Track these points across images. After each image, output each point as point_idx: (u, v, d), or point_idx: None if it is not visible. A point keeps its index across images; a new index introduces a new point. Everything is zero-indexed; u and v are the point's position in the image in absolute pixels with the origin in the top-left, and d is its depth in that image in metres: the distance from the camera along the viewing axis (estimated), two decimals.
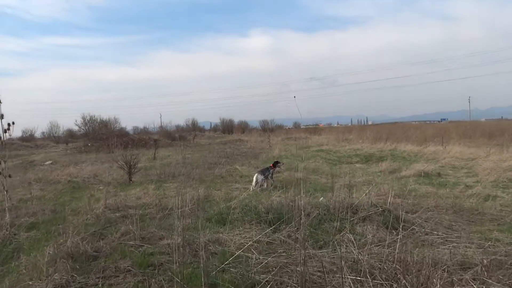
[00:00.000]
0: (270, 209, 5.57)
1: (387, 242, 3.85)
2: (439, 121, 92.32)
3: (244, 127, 45.95)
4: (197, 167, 13.26)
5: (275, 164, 9.90)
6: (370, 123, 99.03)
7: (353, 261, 3.60)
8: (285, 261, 3.80)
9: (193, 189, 8.37)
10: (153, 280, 3.56)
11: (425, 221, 5.26)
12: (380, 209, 5.11)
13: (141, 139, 27.25)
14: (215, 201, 7.14)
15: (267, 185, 8.95)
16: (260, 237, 4.49)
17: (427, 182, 9.23)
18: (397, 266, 3.28)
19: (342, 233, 4.51)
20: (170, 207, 6.57)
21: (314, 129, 42.97)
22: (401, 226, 3.99)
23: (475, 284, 2.98)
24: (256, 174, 9.04)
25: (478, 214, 5.76)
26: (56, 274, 3.74)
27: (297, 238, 4.34)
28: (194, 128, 45.10)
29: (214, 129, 49.67)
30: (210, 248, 4.40)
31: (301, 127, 63.19)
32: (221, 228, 5.17)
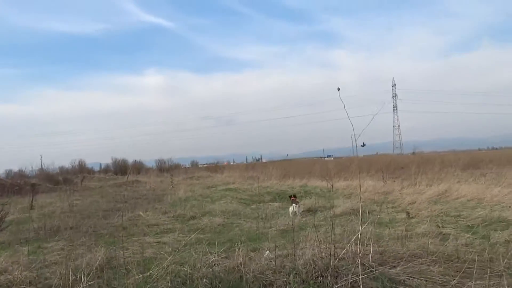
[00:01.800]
0: (214, 280, 3.89)
1: None
2: (325, 157, 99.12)
3: (139, 167, 42.39)
4: (89, 216, 10.70)
5: (294, 197, 10.69)
6: (264, 160, 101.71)
7: None
8: None
9: (88, 249, 6.20)
10: None
11: (412, 277, 4.16)
12: (368, 270, 3.84)
13: (15, 184, 22.59)
14: (125, 269, 5.12)
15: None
16: None
17: (363, 221, 8.43)
18: None
19: None
20: (55, 285, 4.40)
21: (215, 167, 41.68)
22: None
23: None
24: (292, 206, 9.74)
25: (460, 261, 4.88)
26: None
27: None
28: (81, 170, 40.02)
29: (105, 170, 44.99)
30: None
31: (199, 165, 61.44)
32: None
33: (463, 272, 4.47)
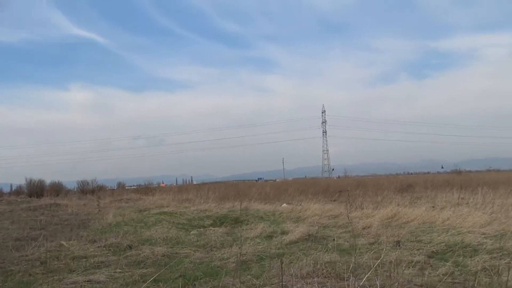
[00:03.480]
0: None
1: None
2: (256, 180, 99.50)
3: (58, 189, 38.32)
4: None
5: None
6: (194, 182, 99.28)
7: None
8: None
9: None
10: None
11: None
12: None
13: None
14: None
15: None
16: None
17: (320, 248, 7.77)
18: None
19: None
20: None
21: (146, 189, 39.13)
22: None
23: None
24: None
25: None
26: None
27: None
28: None
29: (17, 192, 40.03)
30: None
31: (126, 187, 57.69)
32: None
33: None
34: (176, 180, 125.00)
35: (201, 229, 11.87)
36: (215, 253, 7.50)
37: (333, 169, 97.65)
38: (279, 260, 6.60)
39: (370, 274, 4.95)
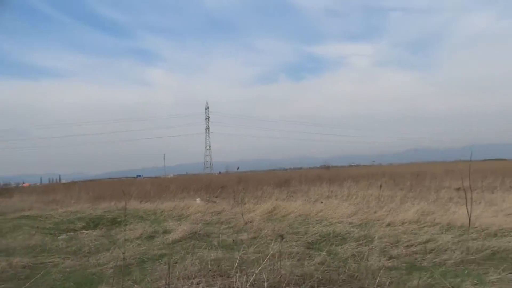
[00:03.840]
0: None
1: None
2: (135, 178, 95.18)
3: None
4: None
5: None
6: (64, 181, 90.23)
7: None
8: None
9: None
10: None
11: None
12: None
13: None
14: None
15: None
16: None
17: (205, 246, 7.69)
18: None
19: None
20: None
21: (2, 190, 33.92)
22: None
23: None
24: None
25: (336, 284, 4.67)
26: None
27: None
28: None
29: None
30: None
31: None
32: None
33: None
34: (41, 179, 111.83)
35: (72, 233, 10.76)
36: (90, 259, 6.82)
37: (211, 166, 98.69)
38: (162, 261, 6.33)
39: (255, 269, 5.04)
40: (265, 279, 4.44)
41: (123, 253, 5.46)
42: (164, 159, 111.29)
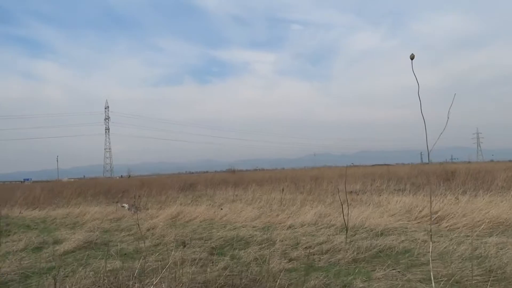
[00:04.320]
0: None
1: None
2: (21, 181, 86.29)
3: None
4: None
5: None
6: None
7: None
8: None
9: None
10: None
11: None
12: None
13: None
14: None
15: None
16: None
17: (101, 255, 7.15)
18: None
19: None
20: None
21: None
22: None
23: None
24: None
25: None
26: None
27: None
28: None
29: None
30: None
31: None
32: None
33: None
34: None
35: None
36: None
37: (112, 168, 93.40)
38: (50, 275, 5.72)
39: (155, 278, 4.83)
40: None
41: None
42: (57, 161, 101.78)
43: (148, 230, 9.46)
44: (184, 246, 6.67)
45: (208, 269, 5.62)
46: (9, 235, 9.96)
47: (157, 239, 8.34)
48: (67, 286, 4.82)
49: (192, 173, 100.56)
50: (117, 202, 17.51)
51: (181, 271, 5.35)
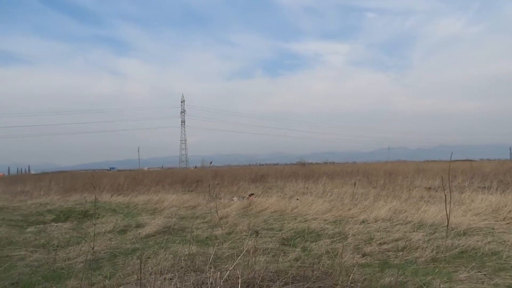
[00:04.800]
0: None
1: None
2: (108, 170, 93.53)
3: None
4: None
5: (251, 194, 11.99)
6: (32, 172, 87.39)
7: None
8: None
9: None
10: None
11: None
12: None
13: None
14: None
15: None
16: None
17: (179, 240, 7.57)
18: None
19: None
20: None
21: None
22: None
23: None
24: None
25: (310, 281, 4.67)
26: None
27: None
28: None
29: None
30: None
31: None
32: None
33: None
34: (9, 169, 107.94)
35: (41, 226, 10.45)
36: (59, 252, 6.59)
37: (187, 160, 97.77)
38: (135, 256, 6.20)
39: (229, 264, 5.00)
40: (239, 275, 4.40)
41: (93, 247, 5.29)
42: (138, 152, 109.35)
43: (221, 218, 9.79)
44: (257, 235, 6.81)
45: (280, 259, 5.68)
46: (98, 218, 10.98)
47: (230, 227, 8.61)
48: (150, 267, 5.19)
49: (263, 165, 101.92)
50: (192, 190, 18.39)
51: (253, 259, 5.48)
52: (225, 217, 9.80)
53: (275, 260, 5.69)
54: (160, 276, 4.74)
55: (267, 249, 6.35)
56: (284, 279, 4.70)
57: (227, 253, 6.15)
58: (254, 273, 4.89)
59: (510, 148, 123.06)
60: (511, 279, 4.73)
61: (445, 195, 6.37)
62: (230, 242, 7.11)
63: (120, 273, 5.15)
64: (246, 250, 6.13)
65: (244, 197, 12.79)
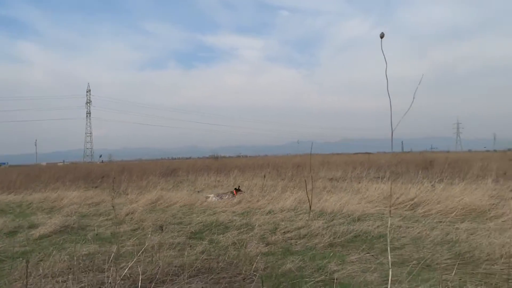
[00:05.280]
0: None
1: None
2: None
3: None
4: None
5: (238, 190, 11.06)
6: None
7: None
8: None
9: None
10: None
11: None
12: None
13: None
14: None
15: None
16: None
17: (78, 240, 7.07)
18: None
19: None
20: None
21: None
22: None
23: None
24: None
25: (214, 272, 4.67)
26: None
27: None
28: None
29: None
30: None
31: None
32: None
33: (229, 283, 4.33)
34: None
35: None
36: None
37: (92, 153, 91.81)
38: (24, 259, 5.64)
39: (132, 262, 4.80)
40: (140, 272, 4.26)
41: None
42: (35, 145, 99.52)
43: (127, 215, 9.38)
44: (162, 230, 6.65)
45: (186, 253, 5.63)
46: None
47: (136, 223, 8.30)
48: (41, 270, 4.76)
49: (175, 159, 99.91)
50: (96, 187, 17.28)
51: (157, 255, 5.35)
52: (131, 213, 9.41)
53: (180, 254, 5.62)
54: (52, 279, 4.38)
55: (173, 244, 6.25)
56: (188, 272, 4.68)
57: (131, 250, 5.92)
58: (158, 269, 4.79)
59: (402, 141, 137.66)
60: (395, 258, 5.28)
61: (305, 182, 6.84)
62: (135, 238, 6.85)
63: (5, 280, 4.66)
64: (150, 246, 5.98)
65: (224, 194, 11.14)
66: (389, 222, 3.74)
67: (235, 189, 11.79)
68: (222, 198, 10.71)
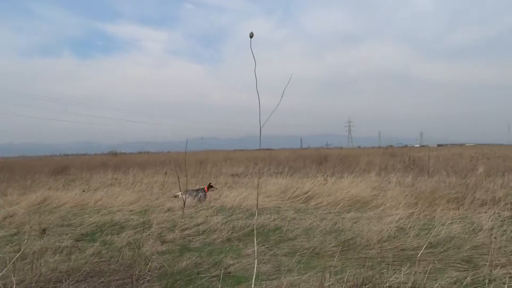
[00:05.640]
0: None
1: None
2: None
3: None
4: None
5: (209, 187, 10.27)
6: None
7: None
8: None
9: None
10: None
11: None
12: None
13: None
14: None
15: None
16: None
17: None
18: None
19: None
20: None
21: None
22: None
23: None
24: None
25: (109, 274, 4.37)
26: None
27: None
28: None
29: None
30: None
31: None
32: None
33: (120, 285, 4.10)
34: None
35: None
36: None
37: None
38: None
39: (5, 270, 4.28)
40: (14, 282, 3.82)
41: None
42: None
43: (5, 218, 8.36)
44: (45, 234, 6.07)
45: (73, 257, 5.22)
46: None
47: (15, 227, 7.44)
48: None
49: (68, 155, 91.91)
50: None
51: (40, 261, 4.86)
52: (10, 216, 8.41)
53: (68, 258, 5.18)
54: None
55: (60, 248, 5.74)
56: (75, 277, 4.34)
57: (8, 258, 5.27)
58: (40, 276, 4.36)
59: (301, 138, 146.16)
60: (288, 248, 5.57)
61: (178, 178, 6.94)
62: (13, 244, 6.14)
63: None
64: (30, 252, 5.42)
65: (197, 190, 9.56)
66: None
67: (207, 186, 10.76)
68: (193, 196, 9.67)
